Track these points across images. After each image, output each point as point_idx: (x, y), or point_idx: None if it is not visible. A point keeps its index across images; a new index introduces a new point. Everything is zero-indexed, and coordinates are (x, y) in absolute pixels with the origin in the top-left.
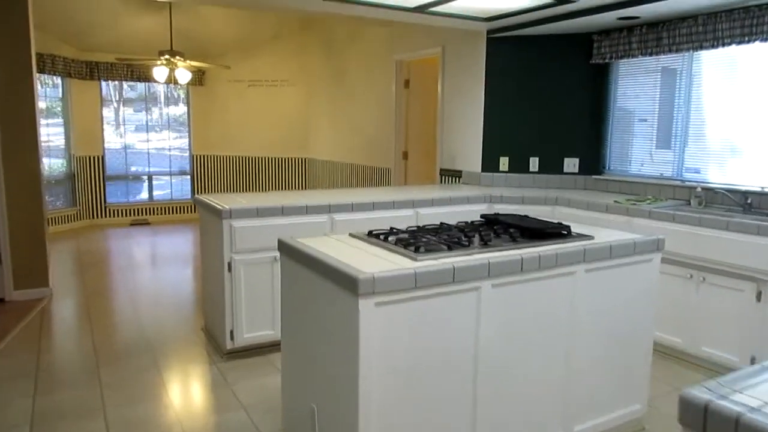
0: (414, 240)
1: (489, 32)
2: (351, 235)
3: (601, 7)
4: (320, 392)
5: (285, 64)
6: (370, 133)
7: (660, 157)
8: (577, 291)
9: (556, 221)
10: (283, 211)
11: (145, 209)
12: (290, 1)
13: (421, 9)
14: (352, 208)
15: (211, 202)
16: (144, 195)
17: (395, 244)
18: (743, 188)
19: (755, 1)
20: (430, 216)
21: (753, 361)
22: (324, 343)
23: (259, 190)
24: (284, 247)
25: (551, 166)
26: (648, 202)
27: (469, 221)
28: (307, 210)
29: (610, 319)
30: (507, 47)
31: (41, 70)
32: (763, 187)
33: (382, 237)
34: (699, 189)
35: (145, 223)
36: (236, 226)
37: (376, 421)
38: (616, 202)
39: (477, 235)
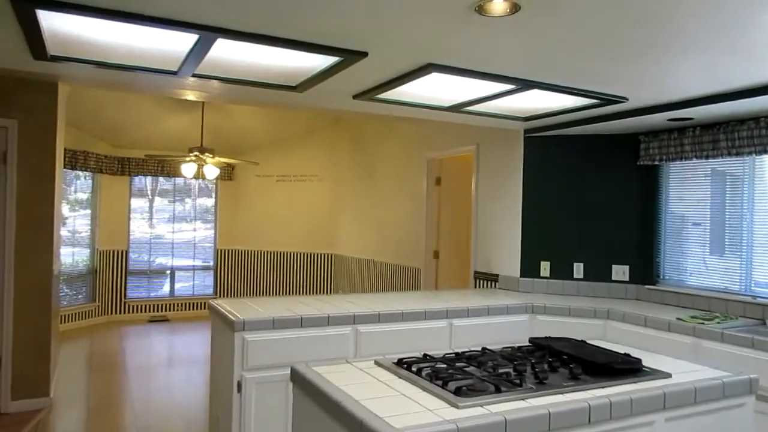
0: (452, 373)
1: (527, 131)
2: (377, 363)
3: (651, 108)
4: None
5: (314, 159)
6: (399, 230)
7: (723, 268)
8: None
9: (622, 351)
10: (302, 323)
11: (165, 305)
12: (323, 101)
13: (455, 108)
14: (379, 318)
15: (224, 310)
16: (165, 289)
17: (430, 380)
18: None
19: None
20: (466, 329)
21: None
22: None
23: (282, 286)
24: (298, 379)
25: (598, 274)
26: (717, 321)
27: (516, 346)
28: (329, 321)
29: None
30: (546, 146)
31: (73, 167)
32: None
33: (414, 369)
34: None
35: (164, 320)
36: (249, 340)
37: None
38: (679, 319)
39: (529, 368)
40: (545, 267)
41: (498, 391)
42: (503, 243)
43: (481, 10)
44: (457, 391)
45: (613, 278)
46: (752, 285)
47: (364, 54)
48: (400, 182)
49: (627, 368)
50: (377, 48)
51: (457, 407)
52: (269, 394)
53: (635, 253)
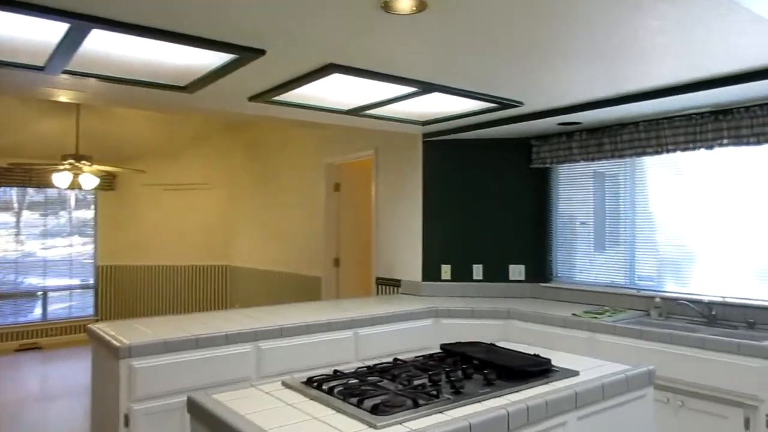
0: (366, 389)
1: (425, 135)
2: (285, 384)
3: (543, 113)
4: None
5: (206, 166)
6: (298, 239)
7: (609, 264)
8: None
9: (531, 352)
10: (198, 343)
11: (37, 331)
12: (216, 103)
13: (355, 112)
14: (282, 333)
15: (106, 336)
16: (37, 313)
17: (344, 399)
18: (705, 298)
19: (694, 110)
20: (372, 337)
21: None
22: None
23: (175, 304)
24: (196, 410)
25: (496, 274)
26: (608, 314)
27: (428, 354)
28: (228, 339)
29: None
30: (445, 150)
31: None
32: (724, 297)
33: (325, 388)
34: (658, 299)
35: (36, 348)
36: (137, 367)
37: None
38: (574, 315)
39: (444, 378)
40: (446, 270)
41: (416, 405)
42: (404, 248)
43: (387, 7)
44: (374, 410)
45: (511, 278)
46: (636, 279)
47: (262, 52)
48: (299, 189)
49: (538, 370)
50: (276, 46)
51: (375, 427)
52: (162, 427)
53: (530, 253)
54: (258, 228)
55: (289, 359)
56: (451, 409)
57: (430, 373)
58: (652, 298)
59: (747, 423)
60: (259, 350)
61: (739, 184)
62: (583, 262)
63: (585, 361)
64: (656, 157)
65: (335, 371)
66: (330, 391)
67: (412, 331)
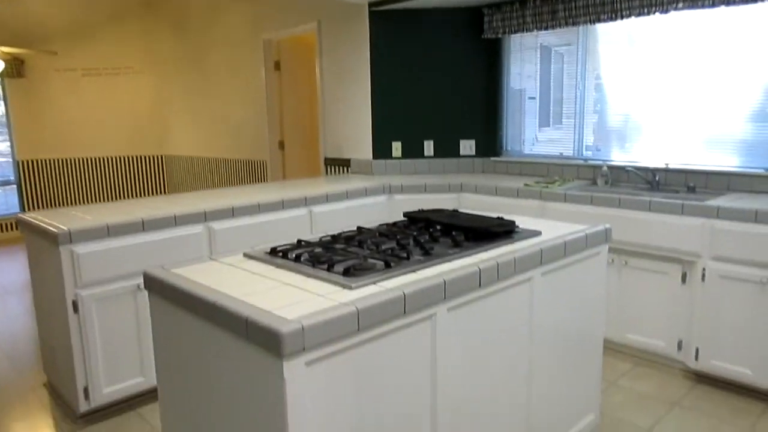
0: (336, 257)
1: (371, 5)
2: (247, 255)
3: None
4: None
5: (127, 48)
6: (238, 123)
7: (558, 137)
8: (534, 299)
9: (495, 215)
10: (145, 226)
11: None
12: None
13: None
14: (233, 213)
15: (42, 223)
16: None
17: (313, 265)
18: (649, 165)
19: None
20: (327, 215)
21: (680, 345)
22: (230, 415)
23: (107, 198)
24: (155, 284)
25: (447, 150)
26: (558, 184)
27: (392, 222)
28: (177, 221)
29: (565, 326)
30: (393, 22)
31: None
32: (667, 164)
33: (291, 256)
34: (605, 168)
35: None
36: (81, 253)
37: None
38: (526, 185)
39: (412, 241)
40: (397, 147)
41: (388, 267)
42: (353, 126)
43: None
44: (346, 273)
45: (461, 153)
46: (584, 150)
47: None
48: (236, 69)
49: (503, 231)
50: None
51: (351, 288)
52: (114, 309)
53: (481, 128)
54: (193, 113)
55: (243, 239)
56: (424, 269)
57: (398, 237)
58: (599, 167)
59: (684, 277)
60: (211, 231)
61: (687, 52)
62: (532, 135)
63: (545, 224)
64: (608, 26)
65: (299, 241)
66: (297, 259)
67: (367, 207)
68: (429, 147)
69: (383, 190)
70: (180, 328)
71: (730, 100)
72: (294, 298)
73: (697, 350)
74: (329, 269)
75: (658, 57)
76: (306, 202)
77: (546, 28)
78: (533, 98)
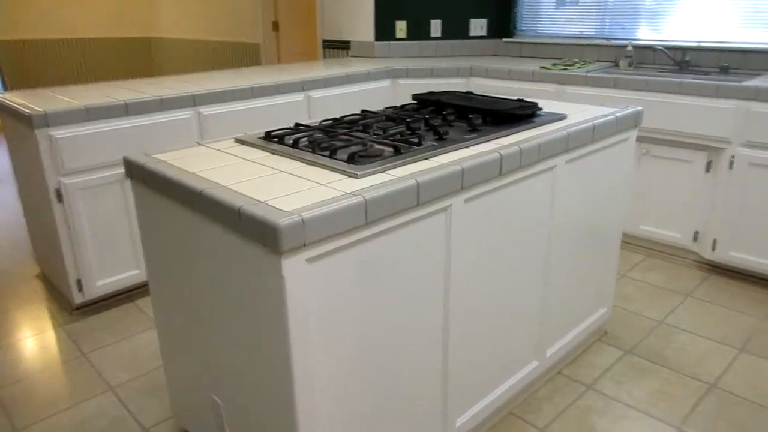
0: (339, 143)
1: None
2: (239, 141)
3: None
4: (225, 380)
5: None
6: (228, 1)
7: (579, 14)
8: (557, 188)
9: (515, 97)
10: (128, 110)
11: None
12: None
13: None
14: (224, 96)
15: (15, 104)
16: None
17: (313, 151)
18: (680, 44)
19: None
20: (326, 100)
21: (696, 237)
22: (226, 316)
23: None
24: (138, 172)
25: (456, 30)
26: (578, 66)
27: (399, 105)
28: (163, 104)
29: (586, 218)
30: None
31: None
32: (699, 41)
33: (288, 141)
34: (629, 48)
35: None
36: (59, 137)
37: (323, 418)
38: (543, 68)
39: (423, 125)
40: (401, 27)
41: (398, 153)
42: (353, 4)
43: None
44: (351, 159)
45: (471, 34)
46: (606, 28)
47: None
48: None
49: (525, 113)
50: None
51: (356, 177)
52: (102, 201)
53: (493, 5)
54: None
55: (235, 126)
56: (438, 155)
57: (408, 121)
58: (623, 47)
59: (709, 166)
60: (201, 116)
61: None
62: (549, 12)
63: (570, 106)
64: None
65: (297, 125)
66: (295, 144)
67: (368, 93)
68: (436, 27)
69: (386, 75)
70: (166, 220)
71: None
72: (292, 188)
73: (714, 241)
74: (331, 155)
75: None
76: (303, 86)
77: None
78: None
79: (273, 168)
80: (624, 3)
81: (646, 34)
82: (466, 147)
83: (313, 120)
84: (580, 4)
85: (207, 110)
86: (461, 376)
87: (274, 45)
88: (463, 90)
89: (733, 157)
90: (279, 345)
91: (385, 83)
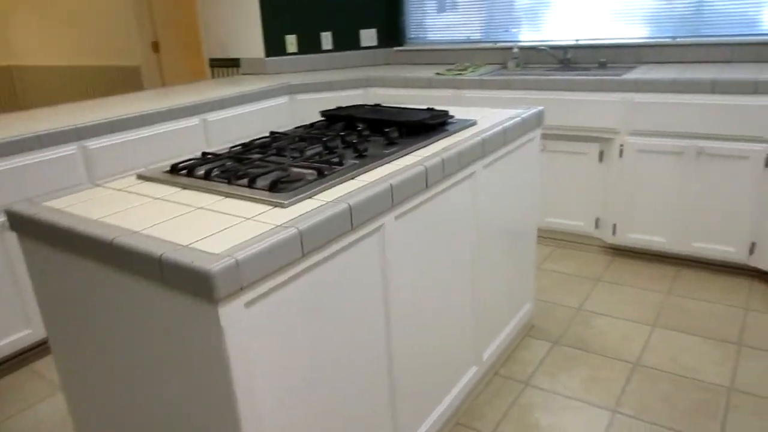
0: (255, 170)
1: None
2: (141, 177)
3: None
4: None
5: None
6: (101, 20)
7: (464, 20)
8: (478, 194)
9: (423, 106)
10: (0, 150)
11: None
12: None
13: None
14: (112, 127)
15: None
16: None
17: (229, 181)
18: (561, 43)
19: None
20: (223, 123)
21: (597, 223)
22: (156, 373)
23: None
24: (23, 223)
25: (347, 42)
26: (471, 70)
27: (308, 124)
28: (42, 141)
29: (505, 218)
30: None
31: None
32: (578, 40)
33: (199, 173)
34: (516, 50)
35: None
36: None
37: None
38: (438, 74)
39: (340, 144)
40: (291, 41)
41: (321, 175)
42: (239, 20)
43: None
44: (273, 187)
45: (363, 44)
46: (491, 32)
47: None
48: None
49: (439, 122)
50: None
51: (283, 206)
52: None
53: (382, 15)
54: (43, 9)
55: (127, 158)
56: (363, 173)
57: (324, 140)
58: (509, 49)
59: (601, 155)
60: (86, 151)
61: None
62: (434, 19)
63: (476, 111)
64: None
65: (204, 154)
66: (207, 176)
67: (266, 111)
68: (327, 39)
69: (283, 91)
70: (68, 275)
71: None
72: (215, 226)
73: (614, 226)
74: (251, 185)
75: None
76: (197, 109)
77: None
78: None
79: (188, 205)
80: (503, 7)
81: (529, 35)
82: (389, 162)
83: (214, 145)
84: (462, 10)
85: (93, 144)
86: (408, 394)
87: (156, 67)
88: (363, 101)
89: (622, 145)
90: (223, 398)
91: (283, 100)
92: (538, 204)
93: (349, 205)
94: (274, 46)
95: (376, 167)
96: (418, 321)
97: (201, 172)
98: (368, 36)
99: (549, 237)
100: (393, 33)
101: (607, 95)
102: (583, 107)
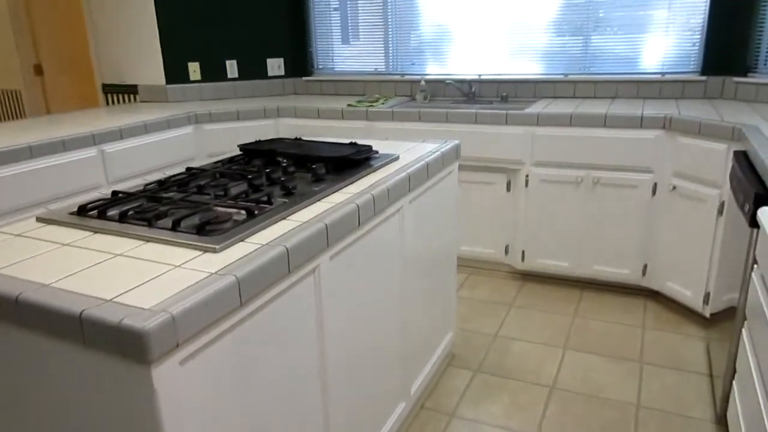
0: (177, 210)
1: None
2: (42, 219)
3: None
4: None
5: None
6: None
7: (370, 51)
8: (404, 228)
9: (346, 140)
10: None
11: None
12: None
13: None
14: None
15: None
16: None
17: (149, 224)
18: (465, 77)
19: None
20: (124, 154)
21: (507, 250)
22: None
23: None
24: None
25: (253, 70)
26: (381, 102)
27: (227, 158)
28: None
29: (430, 250)
30: None
31: None
32: (480, 75)
33: (112, 214)
34: (423, 82)
35: None
36: None
37: None
38: (350, 105)
39: (265, 181)
40: (194, 69)
41: (251, 216)
42: (136, 44)
43: None
44: (202, 230)
45: (270, 74)
46: (398, 65)
47: None
48: None
49: (365, 157)
50: None
51: (215, 251)
52: None
53: (289, 45)
54: None
55: (14, 195)
56: (294, 213)
57: (249, 177)
58: (417, 81)
59: (509, 185)
60: None
61: None
62: (341, 50)
63: (394, 145)
64: None
65: (115, 192)
66: (123, 218)
67: (171, 142)
68: (232, 67)
69: (188, 120)
70: None
71: (533, 11)
72: (141, 275)
73: (523, 252)
74: (174, 228)
75: None
76: (95, 139)
77: None
78: (338, 9)
79: (105, 252)
80: (408, 41)
81: (434, 68)
82: (319, 200)
83: (114, 178)
84: (368, 41)
85: None
86: None
87: (40, 91)
88: (274, 131)
89: (527, 176)
90: None
91: (188, 130)
92: (456, 234)
93: (286, 247)
94: (175, 73)
95: (306, 206)
96: (351, 362)
97: (114, 213)
98: (275, 65)
99: (462, 264)
100: (300, 62)
101: (511, 128)
102: (491, 139)
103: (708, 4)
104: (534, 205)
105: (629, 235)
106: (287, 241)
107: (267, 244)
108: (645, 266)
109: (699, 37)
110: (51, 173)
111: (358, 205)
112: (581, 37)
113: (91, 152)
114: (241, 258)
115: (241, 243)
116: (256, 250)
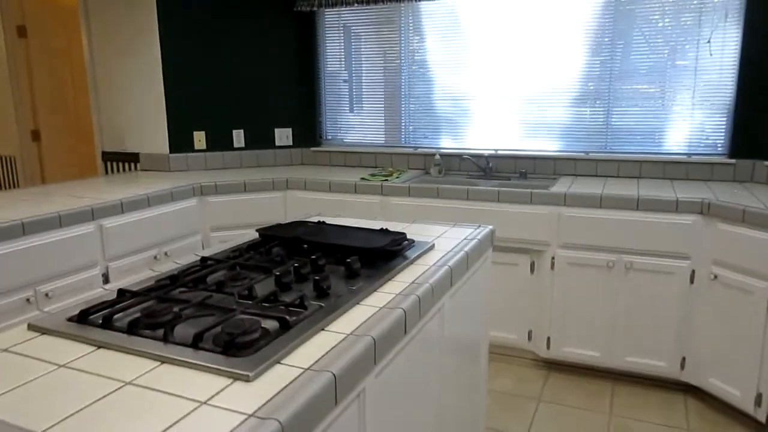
0: (198, 316)
1: None
2: (35, 328)
3: None
4: None
5: None
6: None
7: (383, 123)
8: (444, 328)
9: (378, 227)
10: None
11: None
12: None
13: None
14: None
15: None
16: None
17: (165, 339)
18: (482, 152)
19: None
20: (123, 229)
21: (530, 336)
22: None
23: None
24: None
25: (260, 140)
26: (396, 175)
27: (245, 246)
28: None
29: (463, 347)
30: None
31: None
32: (496, 150)
33: (120, 323)
34: (438, 156)
35: None
36: None
37: None
38: (363, 179)
39: (292, 277)
40: (200, 138)
41: (285, 326)
42: (141, 113)
43: None
44: (229, 348)
45: (277, 143)
46: (410, 137)
47: None
48: None
49: (401, 248)
50: None
51: (248, 379)
52: None
53: (297, 115)
54: None
55: (4, 275)
56: (332, 321)
57: (277, 273)
58: (431, 155)
59: (532, 267)
60: None
61: (507, 39)
62: (353, 122)
63: (423, 229)
64: (432, 6)
65: (121, 291)
66: (132, 329)
67: (174, 215)
68: (239, 137)
69: (193, 192)
70: None
71: (550, 86)
72: (158, 418)
73: (548, 339)
74: (196, 344)
75: (484, 42)
76: (94, 214)
77: (367, 3)
78: (347, 81)
79: (111, 378)
80: (425, 112)
81: (448, 143)
82: (357, 303)
83: (111, 255)
84: (379, 114)
85: None
86: None
87: (36, 158)
88: (280, 206)
89: (553, 258)
90: None
91: (192, 202)
92: (487, 322)
93: (333, 374)
94: (180, 143)
95: (344, 311)
96: None
97: (122, 322)
98: (283, 135)
99: (491, 351)
100: (309, 133)
101: (537, 208)
102: (514, 219)
103: (735, 83)
104: (561, 289)
105: (665, 325)
106: (333, 363)
107: (309, 368)
108: (683, 359)
109: (725, 117)
110: (45, 252)
111: (405, 311)
112: (602, 112)
113: (89, 228)
114: (280, 391)
115: (277, 365)
116: (297, 378)
